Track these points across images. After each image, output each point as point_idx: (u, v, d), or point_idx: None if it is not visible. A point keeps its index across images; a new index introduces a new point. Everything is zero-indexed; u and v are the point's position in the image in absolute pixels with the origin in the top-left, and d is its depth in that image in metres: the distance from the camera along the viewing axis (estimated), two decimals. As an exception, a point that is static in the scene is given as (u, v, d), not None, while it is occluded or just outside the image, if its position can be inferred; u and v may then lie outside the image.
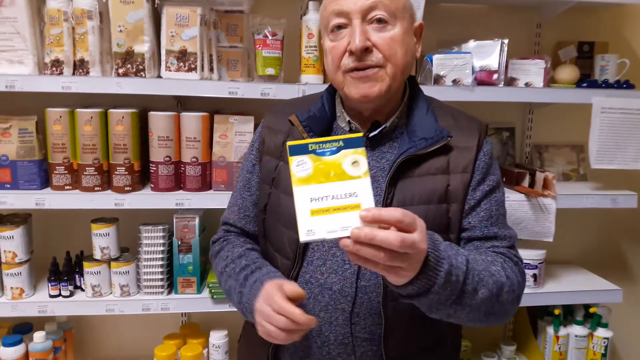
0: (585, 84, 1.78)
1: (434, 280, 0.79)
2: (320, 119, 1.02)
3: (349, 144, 0.76)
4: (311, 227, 0.73)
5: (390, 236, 0.70)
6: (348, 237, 0.71)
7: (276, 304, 0.84)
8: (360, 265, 0.74)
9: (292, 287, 0.86)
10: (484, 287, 0.86)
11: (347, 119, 1.03)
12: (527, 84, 1.74)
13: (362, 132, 0.75)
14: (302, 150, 0.76)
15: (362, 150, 0.76)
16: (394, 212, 0.71)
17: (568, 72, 1.85)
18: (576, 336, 1.91)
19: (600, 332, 1.90)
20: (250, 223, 1.12)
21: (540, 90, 1.71)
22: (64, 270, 1.62)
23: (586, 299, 1.83)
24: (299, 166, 0.75)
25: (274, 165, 1.05)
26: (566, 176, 2.04)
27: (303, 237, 0.73)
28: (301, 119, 1.01)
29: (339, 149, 0.76)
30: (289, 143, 0.76)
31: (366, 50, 0.93)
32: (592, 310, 1.95)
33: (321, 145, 0.76)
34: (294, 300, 0.85)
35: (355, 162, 0.75)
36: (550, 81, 1.84)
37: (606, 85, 1.77)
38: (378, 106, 1.00)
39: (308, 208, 0.73)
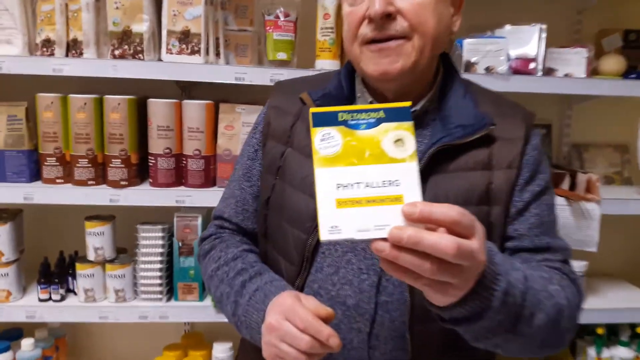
0: (634, 75, 1.59)
1: (489, 303, 0.62)
2: (336, 98, 0.86)
3: (393, 116, 0.59)
4: (336, 222, 0.56)
5: (443, 241, 0.53)
6: (384, 239, 0.54)
7: (302, 320, 0.67)
8: (398, 277, 0.57)
9: (316, 303, 0.70)
10: (542, 311, 0.69)
11: (370, 99, 0.87)
12: (566, 75, 1.57)
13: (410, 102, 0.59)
14: (329, 119, 0.59)
15: (409, 125, 0.58)
16: (449, 210, 0.54)
17: (613, 63, 1.66)
18: (621, 359, 1.72)
19: (647, 354, 1.72)
20: (248, 219, 0.95)
21: (583, 81, 1.54)
22: (56, 272, 1.49)
23: (633, 317, 1.65)
24: (325, 141, 0.58)
25: (279, 151, 0.89)
26: (608, 179, 1.85)
27: (325, 235, 0.56)
28: (314, 97, 0.85)
29: (378, 122, 0.59)
30: (312, 110, 0.59)
31: (388, 17, 0.76)
32: (639, 330, 1.76)
33: (355, 115, 0.59)
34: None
35: (399, 140, 0.58)
36: (592, 73, 1.65)
37: (658, 77, 1.58)
38: (403, 87, 0.83)
39: (333, 197, 0.56)
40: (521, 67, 1.51)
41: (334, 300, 0.81)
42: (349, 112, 0.59)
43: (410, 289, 0.79)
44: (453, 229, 0.55)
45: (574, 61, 1.59)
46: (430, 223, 0.55)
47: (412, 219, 0.54)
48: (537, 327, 0.69)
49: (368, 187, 0.57)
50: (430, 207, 0.54)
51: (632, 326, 1.78)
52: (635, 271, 1.94)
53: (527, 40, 1.53)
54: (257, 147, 0.94)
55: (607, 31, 1.76)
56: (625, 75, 1.63)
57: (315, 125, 0.59)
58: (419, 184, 0.57)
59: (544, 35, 1.52)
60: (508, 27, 1.53)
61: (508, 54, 1.47)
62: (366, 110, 0.59)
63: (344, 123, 0.59)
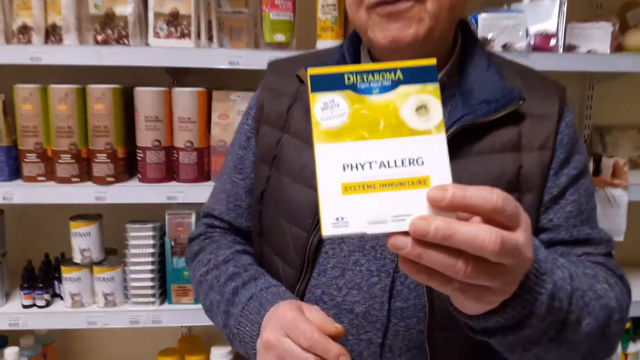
0: (663, 50, 1.46)
1: (532, 309, 0.50)
2: None
3: (414, 76, 0.46)
4: (342, 212, 0.44)
5: (483, 234, 0.41)
6: (405, 233, 0.42)
7: (306, 337, 0.56)
8: (421, 281, 0.45)
9: (323, 317, 0.59)
10: (590, 315, 0.58)
11: None
12: (589, 52, 1.44)
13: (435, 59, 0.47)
14: (332, 82, 0.46)
15: (434, 87, 0.46)
16: (489, 194, 0.42)
17: (639, 38, 1.53)
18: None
19: (679, 351, 1.60)
20: (241, 216, 0.84)
21: (609, 57, 1.41)
22: (40, 276, 1.38)
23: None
24: (327, 110, 0.46)
25: (275, 139, 0.78)
26: (633, 163, 1.72)
27: (328, 230, 0.43)
28: None
29: (395, 84, 0.46)
30: (310, 70, 0.47)
31: None
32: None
33: (366, 76, 0.46)
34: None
35: (422, 106, 0.46)
36: (616, 49, 1.52)
37: (690, 51, 1.45)
38: (416, 57, 0.71)
39: (339, 181, 0.44)
40: (541, 44, 1.39)
41: (340, 308, 0.70)
42: (358, 72, 0.46)
43: (429, 292, 0.67)
44: (493, 218, 0.42)
45: (597, 36, 1.46)
46: (464, 211, 0.43)
47: (441, 206, 0.42)
48: (584, 334, 0.58)
49: (383, 167, 0.44)
50: (465, 191, 0.41)
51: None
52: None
53: (546, 15, 1.40)
54: (250, 134, 0.83)
55: (631, 4, 1.63)
56: (653, 51, 1.50)
57: (315, 90, 0.46)
58: (447, 162, 0.45)
59: (564, 9, 1.40)
60: (526, 0, 1.40)
61: (527, 30, 1.35)
62: (380, 70, 0.46)
63: (352, 87, 0.46)
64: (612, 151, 1.72)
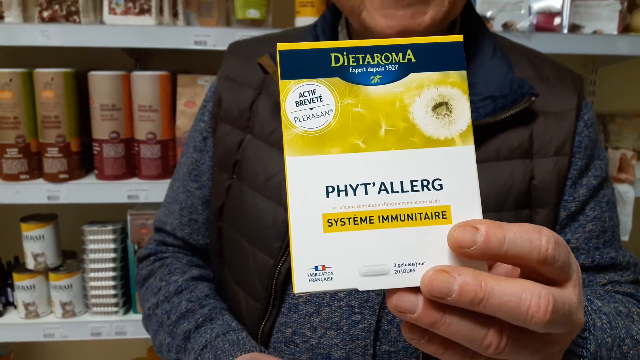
0: (675, 31, 1.33)
1: None
2: None
3: (430, 59, 0.32)
4: (323, 258, 0.30)
5: (528, 296, 0.28)
6: (415, 289, 0.30)
7: None
8: (431, 353, 0.31)
9: None
10: None
11: None
12: (595, 33, 1.32)
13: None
14: (313, 65, 0.32)
15: (459, 76, 0.32)
16: (536, 236, 0.29)
17: (649, 17, 1.40)
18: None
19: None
20: (198, 232, 0.70)
21: (618, 39, 1.28)
22: (-11, 283, 1.25)
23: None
24: (304, 106, 0.32)
25: (236, 140, 0.64)
26: (638, 154, 1.61)
27: (302, 285, 0.30)
28: None
29: (404, 71, 0.32)
30: (280, 46, 0.31)
31: None
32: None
33: (362, 57, 0.32)
34: None
35: (442, 104, 0.32)
36: (623, 30, 1.40)
37: None
38: None
39: (319, 211, 0.31)
40: (544, 23, 1.26)
41: (315, 352, 0.57)
42: (350, 50, 0.32)
43: None
44: (539, 270, 0.30)
45: (604, 15, 1.34)
46: (500, 260, 0.30)
47: (470, 254, 0.29)
48: None
49: (384, 192, 0.31)
50: (504, 231, 0.29)
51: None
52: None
53: (550, -9, 1.27)
54: (206, 133, 0.69)
55: (639, -20, 1.50)
56: (663, 31, 1.38)
57: (287, 75, 0.31)
58: (477, 186, 0.32)
59: (570, -17, 1.26)
60: (528, -26, 1.26)
61: (529, 7, 1.21)
62: (382, 48, 0.32)
63: (341, 72, 0.32)
64: (616, 141, 1.60)
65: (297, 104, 0.31)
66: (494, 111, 0.57)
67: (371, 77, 0.32)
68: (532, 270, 0.30)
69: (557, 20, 1.26)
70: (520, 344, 0.30)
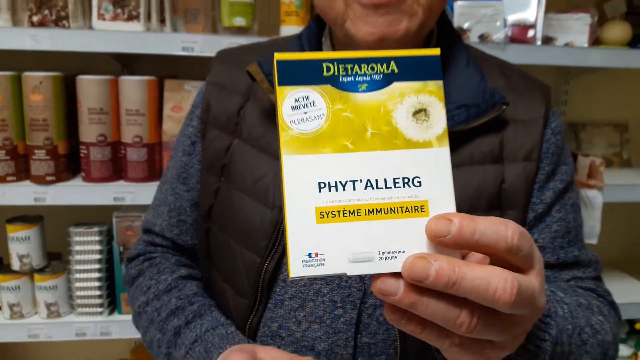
0: (642, 44, 1.41)
1: (535, 358, 0.43)
2: None
3: (411, 70, 0.37)
4: (316, 246, 0.34)
5: (495, 280, 0.32)
6: (396, 275, 0.34)
7: None
8: (411, 333, 0.35)
9: (282, 355, 0.52)
10: (587, 354, 0.52)
11: None
12: (567, 45, 1.38)
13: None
14: (307, 73, 0.36)
15: (437, 85, 0.37)
16: (502, 228, 0.33)
17: (618, 31, 1.47)
18: (618, 357, 1.57)
19: (648, 352, 1.59)
20: (186, 233, 0.73)
21: (589, 51, 1.34)
22: (-27, 284, 1.25)
23: (631, 312, 1.49)
24: (299, 110, 0.36)
25: (224, 144, 0.67)
26: (607, 161, 1.68)
27: (297, 269, 0.34)
28: (267, 70, 0.62)
29: (387, 80, 0.36)
30: (278, 56, 0.35)
31: None
32: (637, 326, 1.63)
33: (351, 67, 0.36)
34: None
35: (421, 110, 0.36)
36: (593, 42, 1.47)
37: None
38: None
39: (312, 204, 0.35)
40: (519, 35, 1.32)
41: (300, 345, 0.61)
42: (341, 61, 0.36)
43: None
44: (505, 259, 0.34)
45: (575, 28, 1.40)
46: (472, 249, 0.35)
47: (444, 242, 0.33)
48: None
49: (370, 188, 0.35)
50: (475, 223, 0.33)
51: (631, 322, 1.64)
52: (635, 264, 1.79)
53: (525, 4, 1.33)
54: (195, 138, 0.72)
55: (609, -5, 1.57)
56: (631, 44, 1.44)
57: (284, 82, 0.36)
58: (451, 183, 0.36)
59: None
60: (503, -12, 1.32)
61: (505, 20, 1.27)
62: (369, 60, 0.36)
63: (332, 80, 0.36)
64: (587, 149, 1.67)
65: (293, 108, 0.35)
66: (467, 119, 0.61)
67: (359, 85, 0.36)
68: (500, 258, 0.35)
69: (531, 33, 1.32)
70: (489, 324, 0.34)
